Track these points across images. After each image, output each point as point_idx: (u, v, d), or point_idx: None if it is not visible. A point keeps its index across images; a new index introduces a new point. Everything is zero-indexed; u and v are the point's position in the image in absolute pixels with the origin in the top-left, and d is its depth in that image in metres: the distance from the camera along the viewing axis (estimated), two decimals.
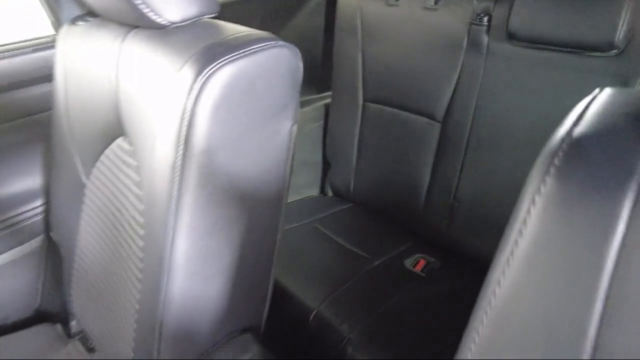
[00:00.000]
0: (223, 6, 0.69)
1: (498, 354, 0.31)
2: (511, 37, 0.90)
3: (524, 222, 0.29)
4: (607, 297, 0.26)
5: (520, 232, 0.29)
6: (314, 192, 1.47)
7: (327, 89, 1.37)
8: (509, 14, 0.89)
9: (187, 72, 0.48)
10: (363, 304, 0.94)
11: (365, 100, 1.23)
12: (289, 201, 1.38)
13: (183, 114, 0.48)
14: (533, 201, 0.29)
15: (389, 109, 1.18)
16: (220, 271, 0.54)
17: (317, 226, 1.22)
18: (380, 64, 1.16)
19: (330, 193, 1.45)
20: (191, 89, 0.47)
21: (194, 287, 0.53)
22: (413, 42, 1.07)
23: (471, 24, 0.97)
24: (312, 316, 0.92)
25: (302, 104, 1.34)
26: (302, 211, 1.30)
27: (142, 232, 0.60)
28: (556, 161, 0.28)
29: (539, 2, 0.85)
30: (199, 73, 0.47)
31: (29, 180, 0.96)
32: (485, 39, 0.95)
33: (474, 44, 0.97)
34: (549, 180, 0.28)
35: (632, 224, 0.25)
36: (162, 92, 0.52)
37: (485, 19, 0.94)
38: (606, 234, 0.26)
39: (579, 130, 0.28)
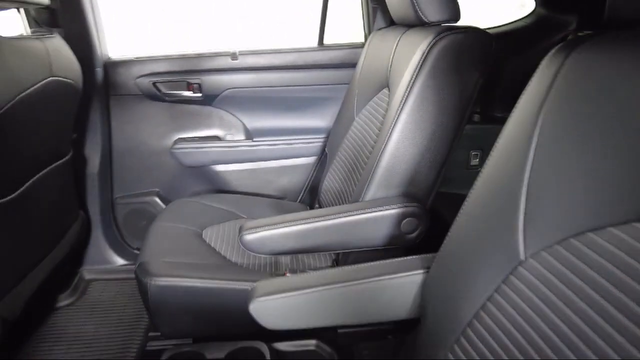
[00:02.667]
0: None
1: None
2: None
3: None
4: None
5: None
6: None
7: None
8: None
9: (424, 42, 0.95)
10: None
11: None
12: None
13: (418, 63, 0.94)
14: None
15: None
16: (414, 144, 0.97)
17: None
18: None
19: None
20: (423, 52, 0.94)
21: (400, 150, 0.97)
22: None
23: None
24: None
25: None
26: None
27: (377, 131, 1.09)
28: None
29: None
30: (429, 43, 0.93)
31: (319, 121, 1.61)
32: None
33: None
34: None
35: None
36: (412, 57, 0.99)
37: None
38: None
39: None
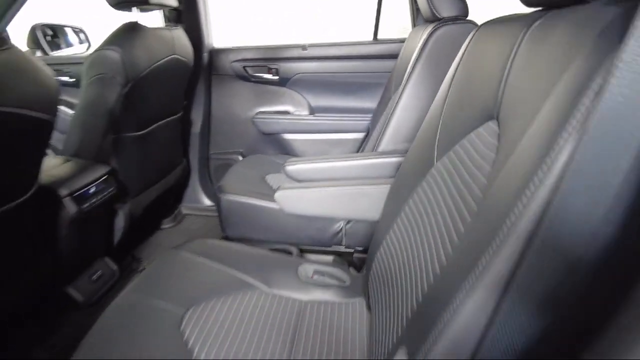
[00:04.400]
0: None
1: None
2: None
3: None
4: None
5: None
6: None
7: None
8: None
9: (426, 33, 1.25)
10: None
11: None
12: None
13: (420, 49, 1.25)
14: None
15: None
16: (414, 110, 1.28)
17: None
18: None
19: None
20: (424, 40, 1.24)
21: (403, 114, 1.29)
22: None
23: None
24: None
25: None
26: None
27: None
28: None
29: None
30: (429, 32, 1.24)
31: (369, 102, 1.94)
32: None
33: None
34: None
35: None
36: (419, 45, 1.30)
37: None
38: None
39: None
